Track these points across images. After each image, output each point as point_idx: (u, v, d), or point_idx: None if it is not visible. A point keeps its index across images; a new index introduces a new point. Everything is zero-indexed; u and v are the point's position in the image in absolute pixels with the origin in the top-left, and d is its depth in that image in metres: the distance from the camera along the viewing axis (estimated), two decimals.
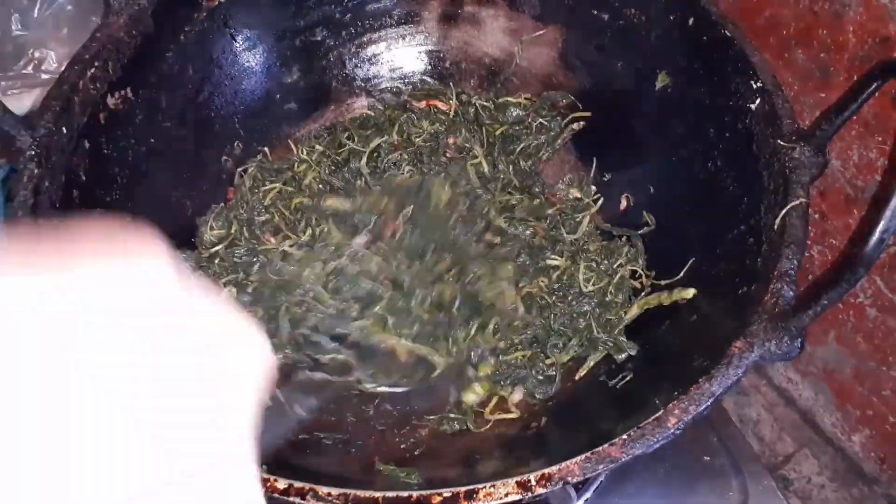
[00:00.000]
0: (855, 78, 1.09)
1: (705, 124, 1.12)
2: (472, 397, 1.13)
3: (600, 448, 0.76)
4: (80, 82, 1.02)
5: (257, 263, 1.18)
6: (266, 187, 1.29)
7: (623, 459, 0.76)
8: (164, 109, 1.19)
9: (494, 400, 1.13)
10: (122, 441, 0.36)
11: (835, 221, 1.23)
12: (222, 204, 1.28)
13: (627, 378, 1.05)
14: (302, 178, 1.31)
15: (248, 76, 1.34)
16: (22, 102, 1.44)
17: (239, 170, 1.32)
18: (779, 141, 0.96)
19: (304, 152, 1.35)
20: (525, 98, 1.41)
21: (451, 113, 1.38)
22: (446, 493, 0.73)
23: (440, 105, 1.39)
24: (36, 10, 1.50)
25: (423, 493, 0.73)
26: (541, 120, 1.37)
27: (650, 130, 1.25)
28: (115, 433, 0.36)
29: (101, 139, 1.06)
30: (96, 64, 1.05)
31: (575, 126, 1.37)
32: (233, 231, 1.22)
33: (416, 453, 1.06)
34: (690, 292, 1.07)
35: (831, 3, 1.11)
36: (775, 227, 0.91)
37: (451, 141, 1.34)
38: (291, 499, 0.74)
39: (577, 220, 1.28)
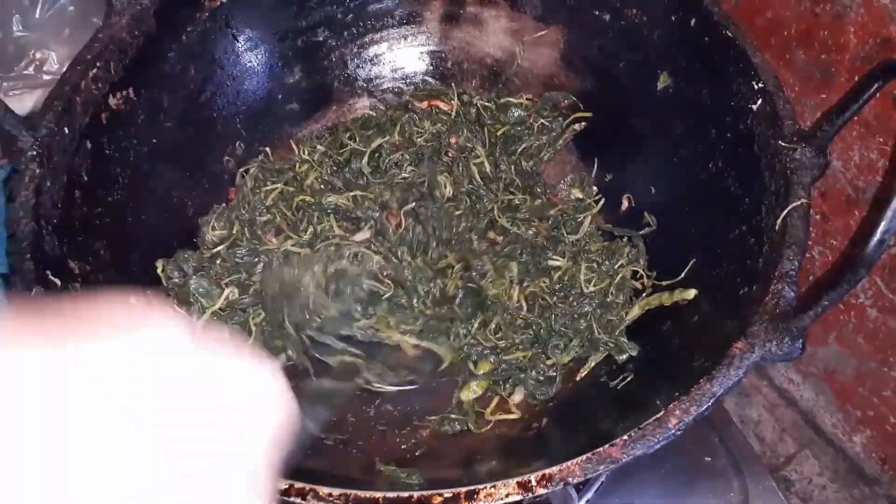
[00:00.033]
0: (856, 79, 1.09)
1: (707, 125, 1.12)
2: (469, 395, 1.13)
3: (601, 449, 0.76)
4: (82, 83, 1.03)
5: (259, 264, 1.18)
6: (268, 187, 1.29)
7: (624, 460, 0.76)
8: (165, 110, 1.19)
9: (495, 400, 1.13)
10: (123, 440, 0.37)
11: (836, 222, 1.23)
12: (224, 204, 1.28)
13: (628, 379, 1.05)
14: (303, 179, 1.31)
15: (250, 76, 1.34)
16: (23, 103, 1.44)
17: (241, 170, 1.32)
18: (780, 142, 0.96)
19: (306, 152, 1.35)
20: (527, 98, 1.41)
21: (453, 113, 1.38)
22: (447, 493, 0.74)
23: (442, 105, 1.39)
24: (37, 11, 1.50)
25: (424, 493, 0.73)
26: (542, 120, 1.37)
27: (651, 131, 1.25)
28: (115, 432, 0.37)
29: (103, 139, 1.06)
30: (98, 64, 1.05)
31: (576, 126, 1.37)
32: (234, 231, 1.22)
33: (416, 454, 1.06)
34: (691, 293, 1.07)
35: (832, 4, 1.11)
36: (776, 227, 0.92)
37: (452, 141, 1.34)
38: (292, 499, 0.74)
39: (579, 220, 1.28)
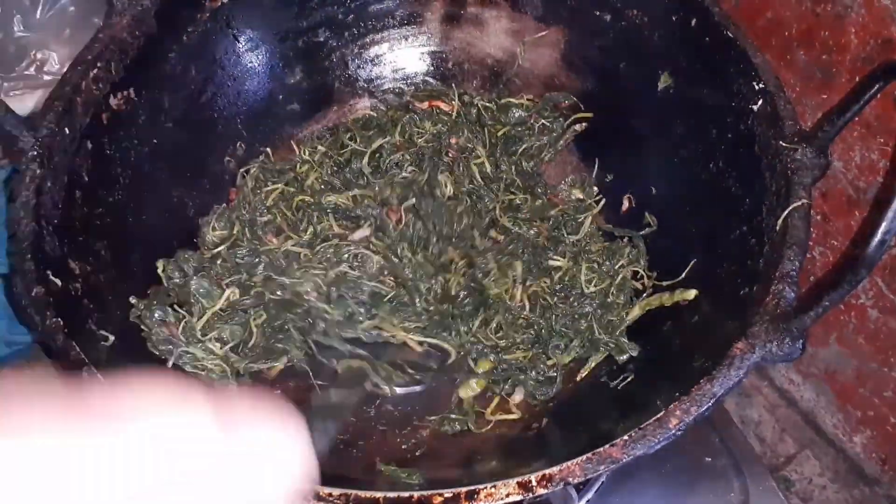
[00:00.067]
0: (857, 79, 1.09)
1: (707, 125, 1.12)
2: (468, 392, 1.13)
3: (601, 449, 0.76)
4: (83, 83, 1.03)
5: (260, 264, 1.18)
6: (268, 188, 1.29)
7: (624, 460, 0.76)
8: (166, 110, 1.19)
9: (496, 400, 1.13)
10: (122, 443, 0.37)
11: (836, 223, 1.23)
12: (224, 204, 1.28)
13: (629, 379, 1.05)
14: (304, 179, 1.31)
15: (251, 77, 1.34)
16: (24, 103, 1.44)
17: (241, 170, 1.33)
18: (781, 142, 0.96)
19: (307, 153, 1.35)
20: (527, 99, 1.41)
21: (454, 114, 1.38)
22: (447, 493, 0.74)
23: (442, 106, 1.39)
24: (38, 12, 1.50)
25: (425, 493, 0.73)
26: (543, 121, 1.37)
27: (652, 131, 1.25)
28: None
29: (104, 140, 1.06)
30: (99, 65, 1.05)
31: (577, 127, 1.37)
32: (235, 232, 1.22)
33: (417, 454, 1.06)
34: (692, 293, 1.07)
35: (833, 4, 1.11)
36: (777, 228, 0.92)
37: (453, 141, 1.34)
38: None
39: (579, 220, 1.29)
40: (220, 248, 1.19)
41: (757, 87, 1.02)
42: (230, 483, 0.42)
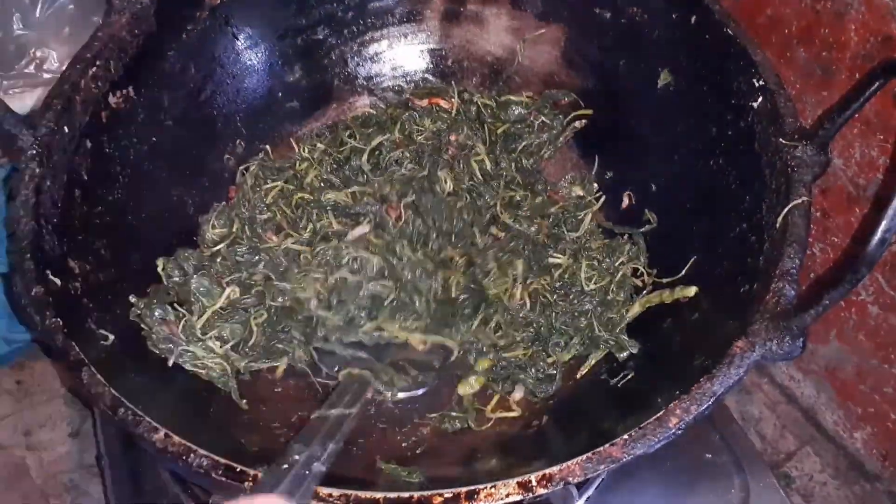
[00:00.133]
0: (857, 77, 1.10)
1: (707, 122, 1.12)
2: (467, 389, 1.13)
3: (601, 448, 0.76)
4: (82, 81, 1.03)
5: (260, 263, 1.18)
6: (268, 186, 1.29)
7: (624, 459, 0.76)
8: (165, 108, 1.19)
9: (496, 398, 1.13)
10: None
11: (836, 220, 1.23)
12: (224, 202, 1.28)
13: (629, 377, 1.05)
14: (303, 177, 1.31)
15: (250, 75, 1.33)
16: (24, 102, 1.44)
17: (241, 168, 1.32)
18: (781, 139, 0.96)
19: (306, 150, 1.35)
20: (527, 96, 1.40)
21: (453, 111, 1.38)
22: (447, 493, 0.74)
23: (442, 103, 1.39)
24: (38, 10, 1.50)
25: (424, 493, 0.73)
26: (543, 118, 1.37)
27: (652, 129, 1.25)
28: None
29: (103, 138, 1.06)
30: (98, 63, 1.05)
31: (577, 124, 1.37)
32: (235, 229, 1.22)
33: (417, 452, 1.06)
34: (692, 290, 1.06)
35: (833, 1, 1.11)
36: (777, 225, 0.91)
37: (452, 138, 1.34)
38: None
39: (579, 218, 1.28)
40: (219, 247, 1.19)
41: (757, 85, 1.02)
42: None
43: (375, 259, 1.16)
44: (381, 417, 1.11)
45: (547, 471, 0.75)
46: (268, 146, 1.36)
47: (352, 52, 1.43)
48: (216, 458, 0.76)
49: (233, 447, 0.95)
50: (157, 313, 1.05)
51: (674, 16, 1.16)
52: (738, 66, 1.05)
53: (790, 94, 1.01)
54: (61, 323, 0.84)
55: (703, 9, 1.11)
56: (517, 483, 0.74)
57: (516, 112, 1.38)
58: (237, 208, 1.26)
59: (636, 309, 1.15)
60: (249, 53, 1.32)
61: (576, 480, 0.75)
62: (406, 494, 0.73)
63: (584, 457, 0.76)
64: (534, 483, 0.74)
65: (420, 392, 1.11)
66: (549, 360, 1.14)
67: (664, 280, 1.14)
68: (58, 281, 0.91)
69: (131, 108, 1.11)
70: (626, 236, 1.24)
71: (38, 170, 0.93)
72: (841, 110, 0.93)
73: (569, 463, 0.75)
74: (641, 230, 1.23)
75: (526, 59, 1.41)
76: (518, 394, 1.12)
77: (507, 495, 0.74)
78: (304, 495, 0.74)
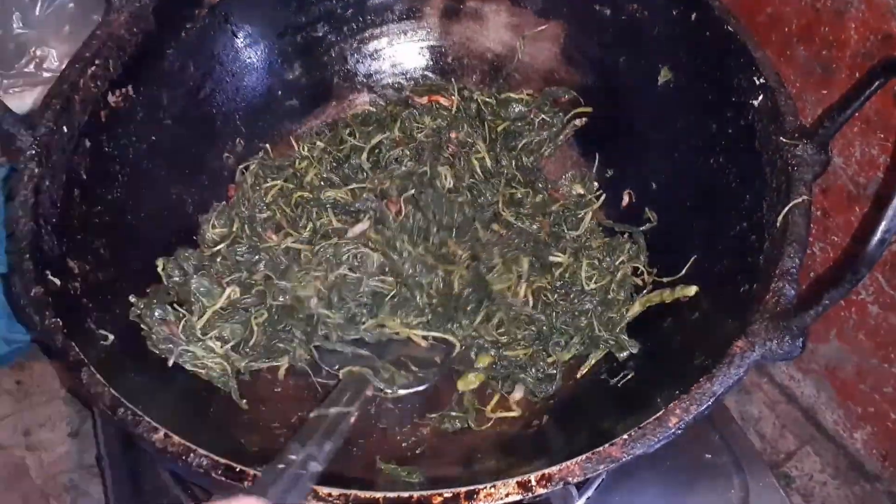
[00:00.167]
0: (857, 75, 1.10)
1: (707, 120, 1.12)
2: (466, 385, 1.13)
3: (601, 448, 0.76)
4: (81, 80, 1.02)
5: (261, 262, 1.17)
6: (267, 184, 1.29)
7: (624, 459, 0.76)
8: (165, 107, 1.19)
9: (496, 398, 1.13)
10: None
11: (837, 218, 1.23)
12: (224, 201, 1.27)
13: (629, 376, 1.05)
14: (303, 175, 1.31)
15: (250, 73, 1.33)
16: (23, 101, 1.44)
17: (240, 167, 1.32)
18: (781, 138, 0.96)
19: (306, 149, 1.35)
20: (527, 94, 1.40)
21: (453, 109, 1.38)
22: (447, 493, 0.74)
23: (442, 101, 1.39)
24: (37, 9, 1.50)
25: (424, 493, 0.73)
26: (543, 116, 1.37)
27: (652, 126, 1.24)
28: None
29: (102, 137, 1.06)
30: (97, 62, 1.05)
31: (577, 122, 1.37)
32: (235, 229, 1.22)
33: (417, 452, 1.06)
34: (692, 290, 1.06)
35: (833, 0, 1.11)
36: (777, 224, 0.91)
37: (453, 135, 1.34)
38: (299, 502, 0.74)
39: (580, 216, 1.28)
40: (220, 246, 1.19)
41: (757, 83, 1.02)
42: None
43: (375, 255, 1.16)
44: (381, 418, 1.11)
45: (546, 470, 0.75)
46: (267, 144, 1.36)
47: (351, 50, 1.43)
48: (216, 457, 0.76)
49: (233, 447, 0.95)
50: (156, 313, 1.05)
51: (674, 12, 1.16)
52: (739, 63, 1.05)
53: (790, 92, 1.01)
54: (61, 323, 0.84)
55: (703, 6, 1.10)
56: (517, 483, 0.74)
57: (516, 110, 1.38)
58: (237, 207, 1.26)
59: (636, 308, 1.14)
60: (249, 51, 1.32)
61: (575, 480, 0.75)
62: (406, 494, 0.73)
63: (584, 456, 0.76)
64: (533, 483, 0.74)
65: (421, 388, 1.11)
66: (550, 360, 1.14)
67: (664, 279, 1.14)
68: (57, 281, 0.91)
69: (130, 107, 1.11)
70: (626, 235, 1.24)
71: (37, 169, 0.93)
72: (841, 109, 0.93)
73: (568, 463, 0.75)
74: (642, 229, 1.23)
75: (526, 56, 1.41)
76: (518, 393, 1.12)
77: (507, 495, 0.74)
78: (300, 495, 0.74)
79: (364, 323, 1.13)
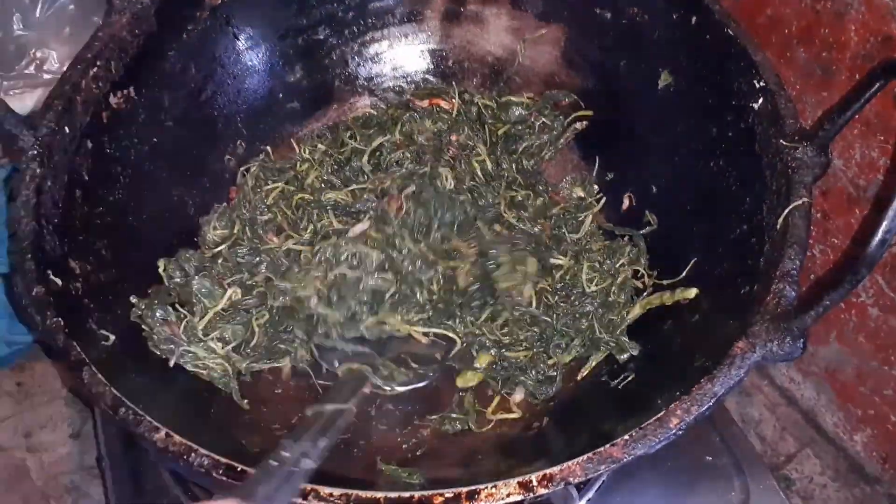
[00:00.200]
0: (857, 77, 1.09)
1: (708, 123, 1.12)
2: (465, 382, 1.13)
3: (602, 448, 0.76)
4: (83, 82, 1.03)
5: (262, 264, 1.18)
6: (268, 186, 1.29)
7: (625, 460, 0.76)
8: (166, 109, 1.19)
9: (496, 400, 1.13)
10: None
11: (837, 221, 1.23)
12: (225, 203, 1.28)
13: (629, 378, 1.05)
14: (304, 178, 1.31)
15: (251, 75, 1.34)
16: (24, 102, 1.44)
17: (241, 169, 1.32)
18: (781, 140, 0.96)
19: (307, 151, 1.35)
20: (528, 97, 1.41)
21: (454, 112, 1.38)
22: (448, 493, 0.74)
23: (443, 104, 1.39)
24: (38, 10, 1.50)
25: (425, 493, 0.74)
26: (543, 119, 1.37)
27: (652, 130, 1.25)
28: None
29: (104, 138, 1.06)
30: (98, 63, 1.05)
31: (577, 125, 1.37)
32: (236, 231, 1.22)
33: (418, 453, 1.06)
34: (692, 292, 1.06)
35: (833, 1, 1.11)
36: (777, 226, 0.92)
37: (453, 138, 1.34)
38: (293, 499, 0.74)
39: (580, 219, 1.28)
40: (220, 248, 1.19)
41: (757, 85, 1.02)
42: None
43: (375, 253, 1.16)
44: (382, 419, 1.11)
45: (548, 471, 0.75)
46: (268, 147, 1.36)
47: (352, 53, 1.43)
48: (217, 457, 0.76)
49: (233, 448, 0.95)
50: (158, 314, 1.05)
51: (674, 16, 1.16)
52: (739, 66, 1.05)
53: (790, 94, 1.01)
54: (62, 323, 0.84)
55: (703, 9, 1.11)
56: (518, 483, 0.74)
57: (517, 113, 1.38)
58: (238, 209, 1.26)
59: (637, 310, 1.15)
60: (250, 54, 1.32)
61: (576, 481, 0.75)
62: (407, 494, 0.73)
63: (585, 457, 0.76)
64: (534, 483, 0.74)
65: (420, 385, 1.11)
66: (550, 362, 1.14)
67: (665, 282, 1.14)
68: (59, 281, 0.91)
69: (132, 109, 1.11)
70: (626, 238, 1.24)
71: (38, 170, 0.93)
72: (841, 111, 0.93)
73: (569, 463, 0.75)
74: (642, 232, 1.23)
75: (526, 60, 1.41)
76: (518, 395, 1.12)
77: (508, 495, 0.74)
78: (291, 492, 0.74)
79: (364, 320, 1.13)
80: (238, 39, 1.30)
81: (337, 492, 0.74)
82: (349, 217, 1.24)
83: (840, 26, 1.11)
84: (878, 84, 0.91)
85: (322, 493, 0.74)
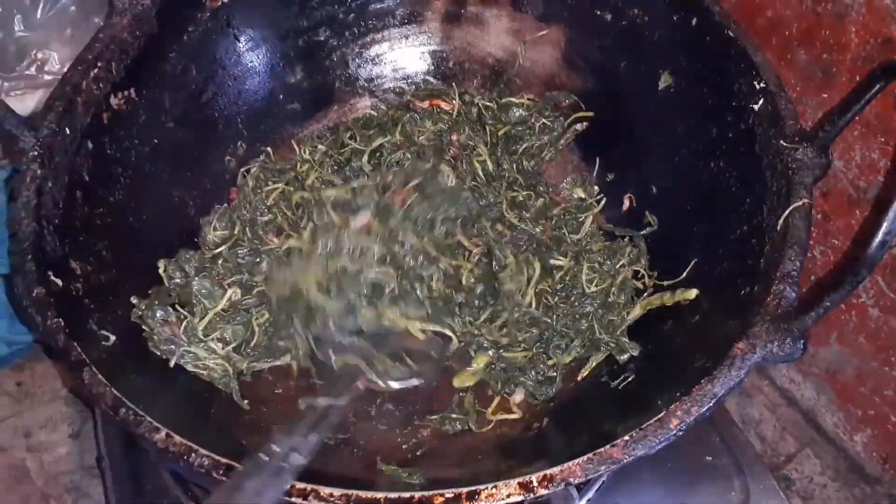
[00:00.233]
0: (857, 78, 1.09)
1: (708, 125, 1.12)
2: (462, 382, 1.13)
3: (602, 449, 0.77)
4: (84, 83, 1.03)
5: (262, 264, 1.18)
6: (269, 187, 1.29)
7: (625, 461, 0.76)
8: (167, 110, 1.19)
9: (496, 400, 1.13)
10: None
11: (837, 222, 1.23)
12: (225, 204, 1.28)
13: (629, 379, 1.05)
14: (304, 179, 1.31)
15: (252, 76, 1.34)
16: (25, 103, 1.45)
17: (242, 170, 1.32)
18: (782, 141, 0.96)
19: (307, 152, 1.35)
20: (528, 98, 1.40)
21: (455, 113, 1.38)
22: (448, 493, 0.74)
23: (443, 105, 1.39)
24: (39, 11, 1.50)
25: (425, 493, 0.74)
26: (544, 120, 1.37)
27: (653, 131, 1.25)
28: None
29: (105, 139, 1.06)
30: (99, 64, 1.05)
31: (578, 126, 1.37)
32: (236, 231, 1.22)
33: (418, 453, 1.06)
34: (693, 293, 1.06)
35: (833, 3, 1.11)
36: (778, 227, 0.92)
37: (454, 138, 1.34)
38: (293, 499, 0.74)
39: (580, 220, 1.28)
40: (221, 249, 1.19)
41: (758, 87, 1.02)
42: None
43: (376, 246, 1.15)
44: (382, 419, 1.11)
45: (548, 471, 0.75)
46: (269, 148, 1.36)
47: (353, 54, 1.43)
48: (217, 457, 0.76)
49: (234, 448, 0.95)
50: (158, 314, 1.05)
51: (674, 17, 1.16)
52: (739, 67, 1.05)
53: (791, 96, 1.01)
54: (63, 323, 0.84)
55: (703, 11, 1.11)
56: (518, 483, 0.74)
57: (517, 114, 1.38)
58: (238, 210, 1.26)
59: (637, 311, 1.15)
60: (251, 55, 1.32)
61: (577, 481, 0.75)
62: (407, 494, 0.73)
63: (585, 458, 0.76)
64: (535, 483, 0.74)
65: (416, 383, 1.10)
66: (550, 363, 1.14)
67: (665, 282, 1.14)
68: (59, 282, 0.91)
69: (133, 110, 1.12)
70: (626, 238, 1.24)
71: (39, 171, 0.93)
72: (841, 112, 0.93)
73: (570, 464, 0.75)
74: (642, 232, 1.23)
75: (527, 61, 1.42)
76: (518, 396, 1.13)
77: (508, 496, 0.74)
78: (279, 487, 0.74)
79: (362, 313, 1.12)
80: (239, 41, 1.30)
81: (337, 492, 0.74)
82: (349, 213, 1.24)
83: (840, 28, 1.11)
84: (878, 85, 0.91)
85: (322, 493, 0.74)
